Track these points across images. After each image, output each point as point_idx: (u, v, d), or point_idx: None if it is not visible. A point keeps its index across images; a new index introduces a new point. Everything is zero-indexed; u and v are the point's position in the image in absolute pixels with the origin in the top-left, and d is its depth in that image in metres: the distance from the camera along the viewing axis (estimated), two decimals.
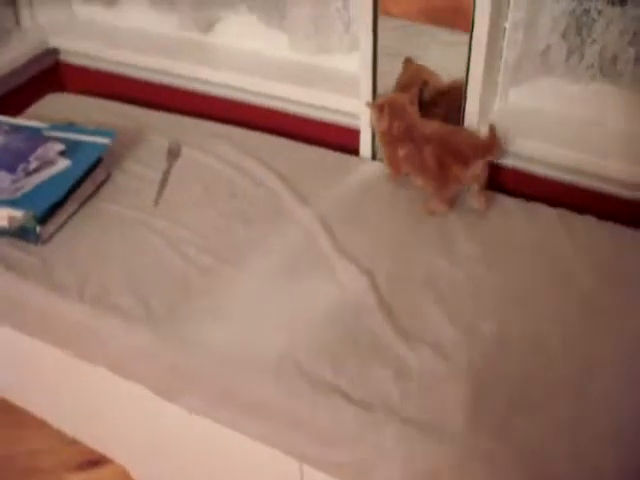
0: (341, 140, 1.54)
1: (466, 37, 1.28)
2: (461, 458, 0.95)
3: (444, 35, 1.41)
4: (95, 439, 1.54)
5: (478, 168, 1.27)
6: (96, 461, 1.58)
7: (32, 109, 1.68)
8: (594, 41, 1.25)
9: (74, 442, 1.58)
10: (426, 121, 1.33)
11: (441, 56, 1.42)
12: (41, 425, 1.59)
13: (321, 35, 1.47)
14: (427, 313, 1.13)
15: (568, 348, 1.06)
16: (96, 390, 1.34)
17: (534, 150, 1.34)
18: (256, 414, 1.07)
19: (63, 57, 1.85)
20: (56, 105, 1.70)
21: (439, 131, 1.31)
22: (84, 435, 1.55)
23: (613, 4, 1.21)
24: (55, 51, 1.82)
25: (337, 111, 1.52)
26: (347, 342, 1.09)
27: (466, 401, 0.99)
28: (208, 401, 1.12)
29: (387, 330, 1.10)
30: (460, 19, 1.37)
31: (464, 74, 1.31)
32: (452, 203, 1.32)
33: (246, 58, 1.63)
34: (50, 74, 1.85)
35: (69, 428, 1.57)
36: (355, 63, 1.45)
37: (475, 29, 1.24)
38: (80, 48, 1.79)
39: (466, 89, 1.32)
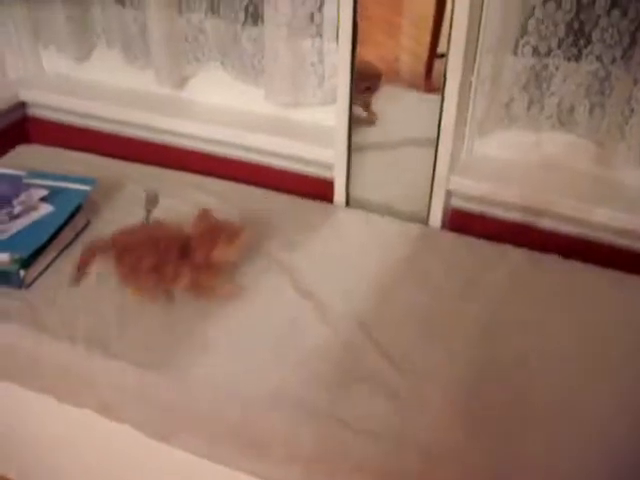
0: (315, 190, 1.60)
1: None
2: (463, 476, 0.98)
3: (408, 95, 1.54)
4: None
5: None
6: None
7: (2, 160, 1.68)
8: (553, 94, 1.36)
9: None
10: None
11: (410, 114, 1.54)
12: None
13: (296, 89, 1.55)
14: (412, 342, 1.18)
15: (549, 369, 1.13)
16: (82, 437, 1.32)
17: (498, 195, 1.43)
18: (257, 449, 1.08)
19: (32, 110, 1.86)
20: (28, 157, 1.71)
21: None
22: None
23: (569, 60, 1.33)
24: (23, 105, 1.84)
25: (311, 162, 1.58)
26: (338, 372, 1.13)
27: (461, 420, 1.04)
28: (207, 440, 1.12)
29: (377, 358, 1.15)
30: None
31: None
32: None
33: (221, 111, 1.68)
34: (18, 128, 1.86)
35: None
36: (330, 116, 1.53)
37: (447, 83, 1.33)
38: (50, 101, 1.81)
39: (438, 142, 1.41)
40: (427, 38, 1.50)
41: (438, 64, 1.45)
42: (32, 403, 1.30)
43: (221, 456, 1.12)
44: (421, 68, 1.57)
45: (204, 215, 1.32)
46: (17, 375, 1.26)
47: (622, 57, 1.27)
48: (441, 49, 1.41)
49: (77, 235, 1.42)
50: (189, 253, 1.25)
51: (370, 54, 1.48)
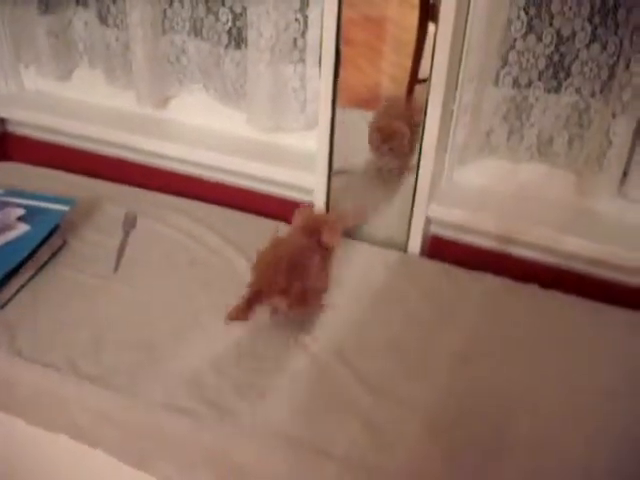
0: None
1: None
2: None
3: None
4: None
5: None
6: None
7: None
8: (532, 125, 1.38)
9: None
10: None
11: None
12: None
13: (278, 113, 1.55)
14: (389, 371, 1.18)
15: (527, 400, 1.12)
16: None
17: (478, 224, 1.44)
18: (232, 476, 1.07)
19: (11, 128, 1.85)
20: (6, 174, 1.70)
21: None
22: None
23: (549, 92, 1.34)
24: (3, 121, 1.83)
25: (291, 186, 1.58)
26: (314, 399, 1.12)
27: (439, 450, 1.03)
28: (182, 466, 1.10)
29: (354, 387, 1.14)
30: None
31: None
32: None
33: (201, 133, 1.68)
34: None
35: None
36: (311, 141, 1.53)
37: (428, 111, 1.34)
38: (30, 119, 1.80)
39: (418, 170, 1.41)
40: (408, 63, 1.51)
41: (419, 88, 1.46)
42: (3, 426, 1.28)
43: None
44: (402, 93, 1.57)
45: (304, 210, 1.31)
46: None
47: (601, 90, 1.29)
48: (422, 74, 1.42)
49: (53, 255, 1.41)
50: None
51: (351, 78, 1.48)
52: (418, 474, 1.00)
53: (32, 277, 1.35)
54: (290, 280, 1.15)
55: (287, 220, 1.55)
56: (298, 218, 1.29)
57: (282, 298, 1.16)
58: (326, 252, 1.25)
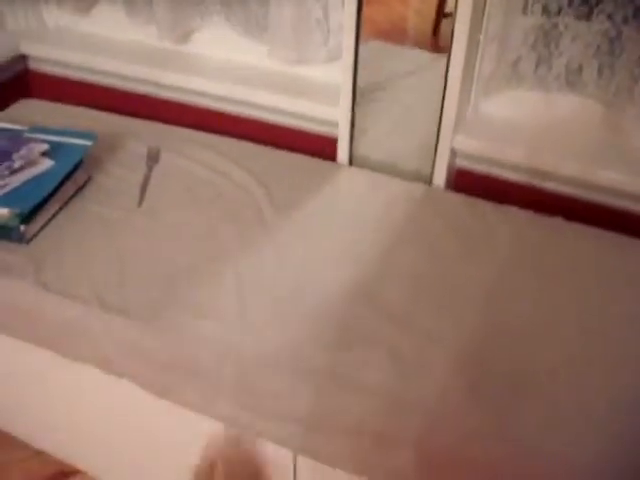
0: (318, 147, 1.59)
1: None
2: (463, 441, 0.98)
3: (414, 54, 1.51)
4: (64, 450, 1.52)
5: None
6: (67, 473, 1.56)
7: (4, 114, 1.66)
8: (561, 53, 1.34)
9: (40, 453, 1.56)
10: None
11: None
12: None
13: (301, 45, 1.52)
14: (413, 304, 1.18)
15: (552, 334, 1.12)
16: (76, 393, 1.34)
17: (503, 156, 1.42)
18: (255, 408, 1.09)
19: (33, 64, 1.84)
20: (29, 111, 1.69)
21: None
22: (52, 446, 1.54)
23: (579, 19, 1.30)
24: (24, 58, 1.82)
25: (314, 119, 1.57)
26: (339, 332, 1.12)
27: (463, 383, 1.03)
28: (204, 396, 1.12)
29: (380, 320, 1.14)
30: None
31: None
32: None
33: (224, 67, 1.66)
34: (19, 81, 1.84)
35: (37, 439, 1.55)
36: (333, 73, 1.51)
37: (454, 41, 1.31)
38: (51, 55, 1.79)
39: (443, 101, 1.39)
40: None
41: (445, 24, 1.42)
42: (32, 357, 1.31)
43: (219, 412, 1.13)
44: (428, 27, 1.54)
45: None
46: (17, 329, 1.26)
47: (634, 16, 1.24)
48: (449, 8, 1.39)
49: (78, 190, 1.41)
50: None
51: (374, 10, 1.45)
52: (443, 404, 1.01)
53: (58, 212, 1.36)
54: None
55: (310, 153, 1.55)
56: None
57: None
58: None
